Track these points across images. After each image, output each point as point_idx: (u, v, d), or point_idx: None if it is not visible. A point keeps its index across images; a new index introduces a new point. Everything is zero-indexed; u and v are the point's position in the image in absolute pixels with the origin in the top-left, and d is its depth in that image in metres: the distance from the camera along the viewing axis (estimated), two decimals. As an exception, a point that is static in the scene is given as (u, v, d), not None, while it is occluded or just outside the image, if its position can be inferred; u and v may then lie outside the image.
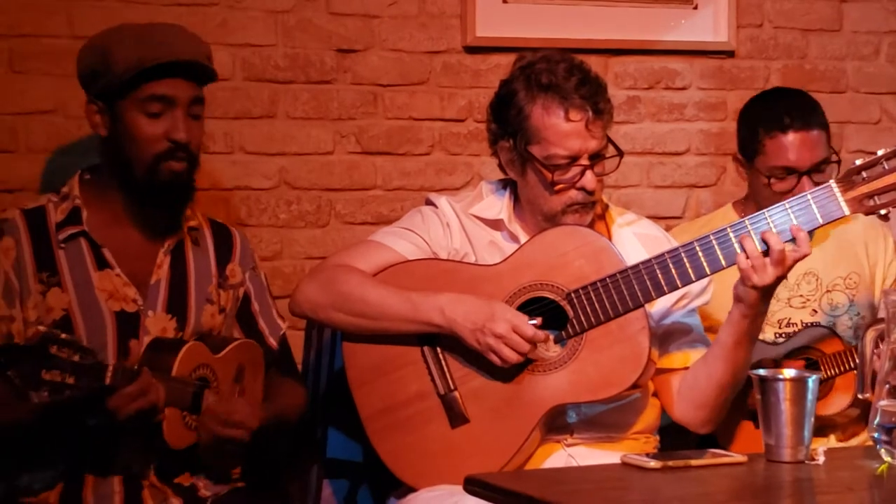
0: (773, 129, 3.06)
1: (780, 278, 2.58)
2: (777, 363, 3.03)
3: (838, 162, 3.09)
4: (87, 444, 2.61)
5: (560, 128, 2.69)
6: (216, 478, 2.72)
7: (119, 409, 2.49)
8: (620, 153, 2.75)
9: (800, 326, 3.12)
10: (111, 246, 2.71)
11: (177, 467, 2.67)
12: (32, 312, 2.65)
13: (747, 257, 2.56)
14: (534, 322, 2.63)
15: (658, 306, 2.75)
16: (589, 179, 2.70)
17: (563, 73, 2.70)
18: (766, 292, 2.60)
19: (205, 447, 2.66)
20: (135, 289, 2.70)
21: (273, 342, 2.90)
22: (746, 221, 2.60)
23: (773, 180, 3.05)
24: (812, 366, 3.06)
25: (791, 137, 3.04)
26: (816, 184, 3.01)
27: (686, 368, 2.78)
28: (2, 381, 2.55)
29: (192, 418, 2.64)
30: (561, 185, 2.71)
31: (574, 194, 2.72)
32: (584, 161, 2.70)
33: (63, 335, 2.45)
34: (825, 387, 3.03)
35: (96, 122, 2.74)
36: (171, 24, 2.86)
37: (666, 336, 2.80)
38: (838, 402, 3.06)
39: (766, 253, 2.56)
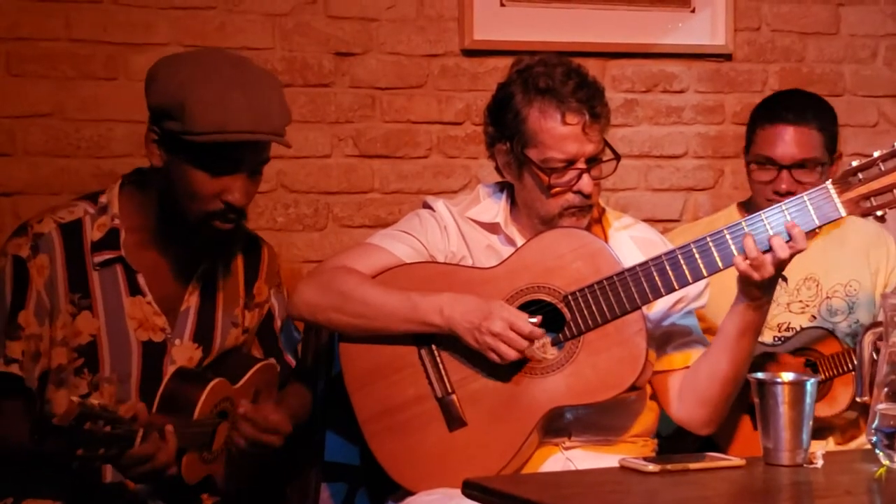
0: (765, 119, 3.10)
1: (781, 270, 2.58)
2: (773, 356, 3.03)
3: (828, 164, 3.09)
4: (94, 473, 2.59)
5: (557, 131, 2.69)
6: (221, 491, 2.71)
7: (126, 469, 2.44)
8: (617, 157, 2.75)
9: (798, 331, 3.13)
10: (145, 271, 2.64)
11: (186, 493, 2.64)
12: (60, 332, 2.59)
13: (745, 258, 2.56)
14: (533, 320, 2.63)
15: (656, 309, 2.75)
16: (586, 183, 2.70)
17: (560, 77, 2.70)
18: (769, 284, 2.60)
19: (233, 459, 2.64)
20: (164, 317, 2.65)
21: (291, 359, 2.88)
22: (743, 223, 2.60)
23: (752, 166, 3.09)
24: (811, 367, 3.06)
25: (779, 129, 3.07)
26: (799, 182, 3.05)
27: (686, 368, 2.77)
28: (13, 405, 2.55)
29: (208, 453, 2.61)
30: (557, 189, 2.71)
31: (571, 198, 2.72)
32: (581, 165, 2.70)
33: (97, 405, 2.35)
34: (824, 388, 3.04)
35: (153, 150, 2.57)
36: (257, 76, 2.61)
37: (665, 338, 2.80)
38: (837, 404, 3.06)
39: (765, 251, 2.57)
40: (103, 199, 2.65)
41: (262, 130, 2.54)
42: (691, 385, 2.75)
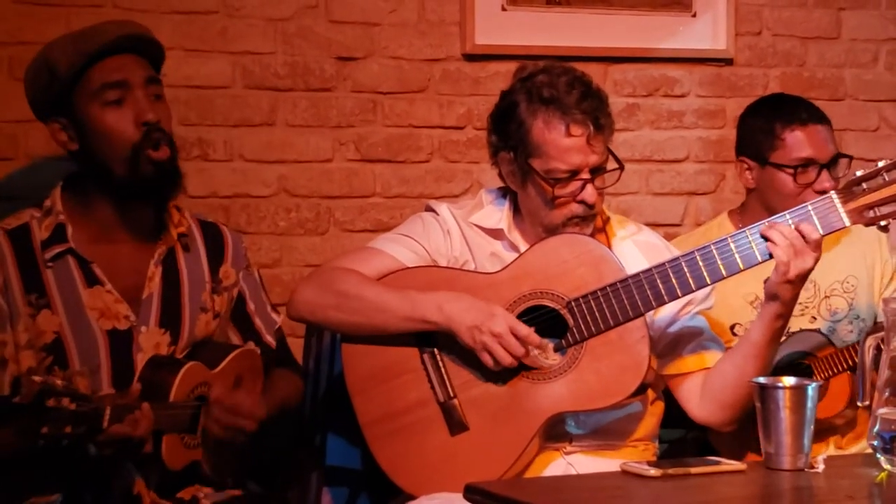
0: (792, 122, 3.12)
1: (811, 269, 2.58)
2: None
3: (851, 158, 3.14)
4: (85, 465, 2.58)
5: (561, 143, 2.69)
6: (217, 486, 2.71)
7: (100, 446, 2.44)
8: (621, 166, 2.75)
9: (789, 334, 3.13)
10: (100, 261, 2.65)
11: (178, 483, 2.65)
12: (23, 335, 2.60)
13: (789, 245, 2.54)
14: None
15: (664, 313, 2.75)
16: (589, 193, 2.70)
17: (564, 87, 2.69)
18: (799, 285, 2.60)
19: (212, 443, 2.64)
20: (126, 305, 2.66)
21: (270, 339, 2.88)
22: (747, 231, 2.61)
23: (788, 171, 3.09)
24: (804, 371, 3.07)
25: (811, 129, 3.11)
26: (836, 179, 3.10)
27: (702, 370, 2.76)
28: None
29: (190, 438, 2.62)
30: (561, 199, 2.71)
31: (575, 208, 2.72)
32: (585, 175, 2.70)
33: (59, 383, 2.38)
34: (821, 390, 3.04)
35: (63, 139, 2.66)
36: (102, 22, 2.77)
37: (676, 341, 2.79)
38: (834, 405, 3.07)
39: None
40: (47, 203, 2.69)
41: (118, 31, 2.65)
42: (716, 389, 2.73)
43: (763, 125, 3.16)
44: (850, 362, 3.02)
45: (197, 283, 2.76)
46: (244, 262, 2.87)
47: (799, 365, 3.08)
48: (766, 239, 2.57)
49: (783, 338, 3.10)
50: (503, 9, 3.60)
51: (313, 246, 3.48)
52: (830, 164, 3.11)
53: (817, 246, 2.57)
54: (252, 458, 2.77)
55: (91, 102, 2.63)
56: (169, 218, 2.74)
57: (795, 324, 3.14)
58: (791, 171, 3.09)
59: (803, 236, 2.56)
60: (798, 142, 3.10)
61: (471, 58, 3.59)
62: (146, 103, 2.63)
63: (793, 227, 2.58)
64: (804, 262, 2.57)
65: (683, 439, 2.98)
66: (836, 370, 3.06)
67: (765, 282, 2.69)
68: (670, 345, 2.78)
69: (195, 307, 2.74)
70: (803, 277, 2.59)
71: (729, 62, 3.84)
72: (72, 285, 2.64)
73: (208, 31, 3.36)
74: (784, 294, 2.61)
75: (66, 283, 2.63)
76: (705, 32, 3.79)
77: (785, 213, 2.61)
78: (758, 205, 3.17)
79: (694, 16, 3.77)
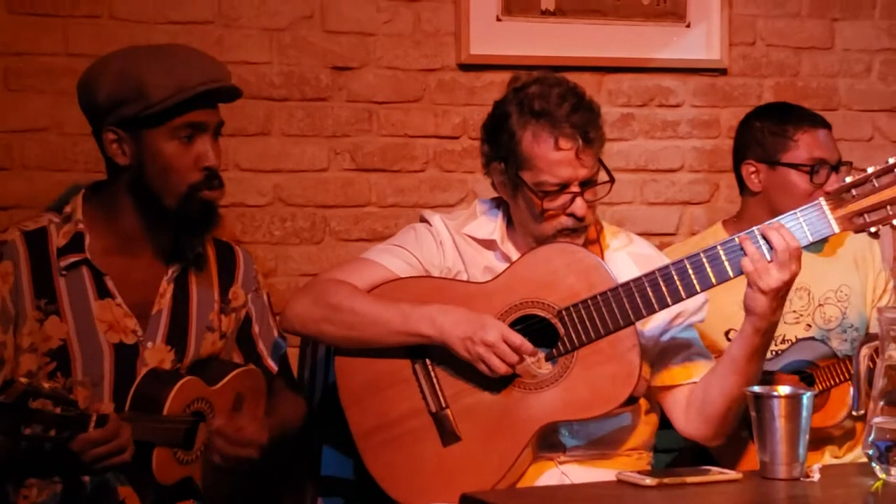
0: (802, 124, 3.17)
1: (788, 283, 2.53)
2: (769, 380, 3.03)
3: (851, 164, 3.18)
4: (79, 479, 2.58)
5: (550, 156, 2.68)
6: (212, 501, 2.70)
7: (82, 453, 2.43)
8: (612, 179, 2.74)
9: (794, 342, 3.14)
10: (113, 274, 2.66)
11: (172, 497, 2.64)
12: (26, 339, 2.60)
13: (751, 261, 2.53)
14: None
15: (654, 324, 2.75)
16: (579, 206, 2.70)
17: (555, 100, 2.68)
18: (776, 299, 2.55)
19: (213, 470, 2.63)
20: (135, 319, 2.66)
21: (272, 364, 2.88)
22: (737, 239, 2.60)
23: (815, 171, 3.12)
24: (806, 379, 3.08)
25: (821, 132, 3.17)
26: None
27: (690, 383, 2.75)
28: None
29: (183, 454, 2.61)
30: (551, 212, 2.71)
31: (564, 220, 2.71)
32: (575, 188, 2.69)
33: (46, 386, 2.38)
34: (821, 399, 3.05)
35: (114, 150, 2.64)
36: (184, 46, 2.80)
37: (665, 352, 2.79)
38: (834, 414, 3.07)
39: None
40: (67, 209, 2.70)
41: (217, 79, 2.66)
42: (700, 403, 2.72)
43: (773, 127, 3.19)
44: (852, 373, 3.03)
45: (206, 302, 2.77)
46: (254, 283, 2.88)
47: (802, 373, 3.09)
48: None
49: (786, 346, 3.12)
50: (498, 19, 3.60)
51: (308, 255, 3.49)
52: (838, 168, 3.14)
53: (783, 264, 2.50)
54: (251, 485, 2.77)
55: (164, 134, 2.62)
56: (190, 240, 2.74)
57: (790, 332, 3.15)
58: (807, 169, 3.12)
59: (775, 250, 2.52)
60: (811, 142, 3.15)
61: (466, 68, 3.60)
62: (213, 149, 2.65)
63: (762, 240, 2.53)
64: (769, 278, 2.51)
65: (683, 449, 2.97)
66: (837, 380, 3.06)
67: None
68: (659, 356, 2.78)
69: (202, 326, 2.75)
70: (777, 291, 2.52)
71: (723, 72, 3.85)
72: (83, 296, 2.64)
73: (204, 41, 3.36)
74: (757, 306, 2.55)
75: (78, 293, 2.64)
76: (699, 43, 3.80)
77: (773, 220, 2.58)
78: (761, 209, 3.16)
79: (688, 26, 3.78)
